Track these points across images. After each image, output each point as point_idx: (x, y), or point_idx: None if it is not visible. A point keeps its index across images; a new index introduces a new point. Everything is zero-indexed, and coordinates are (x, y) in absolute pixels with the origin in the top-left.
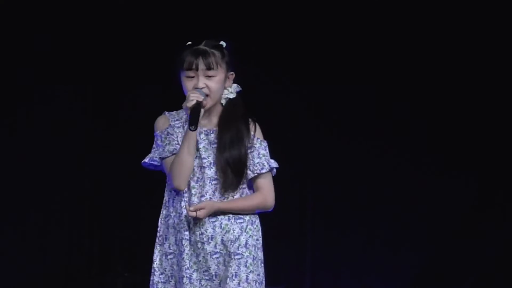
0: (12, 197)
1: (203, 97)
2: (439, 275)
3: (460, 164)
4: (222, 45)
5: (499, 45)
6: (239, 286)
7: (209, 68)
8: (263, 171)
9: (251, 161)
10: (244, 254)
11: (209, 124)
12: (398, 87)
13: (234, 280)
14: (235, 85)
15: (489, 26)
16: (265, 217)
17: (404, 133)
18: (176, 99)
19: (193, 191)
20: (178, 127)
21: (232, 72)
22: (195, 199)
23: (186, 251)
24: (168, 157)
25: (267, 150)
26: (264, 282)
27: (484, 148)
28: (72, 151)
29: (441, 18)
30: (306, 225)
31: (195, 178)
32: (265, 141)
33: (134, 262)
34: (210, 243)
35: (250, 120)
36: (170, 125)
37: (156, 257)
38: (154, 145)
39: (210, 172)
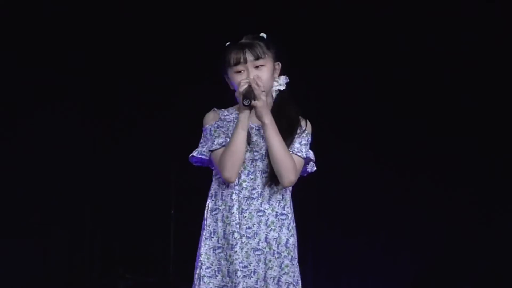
0: (12, 197)
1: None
2: (440, 279)
3: (460, 166)
4: (263, 37)
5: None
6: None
7: (257, 58)
8: (299, 154)
9: (292, 144)
10: (282, 253)
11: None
12: (398, 88)
13: (269, 279)
14: (283, 76)
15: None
16: None
17: (404, 137)
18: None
19: (244, 184)
20: (229, 121)
21: (278, 62)
22: (246, 193)
23: (239, 245)
24: (218, 149)
25: (309, 145)
26: (300, 281)
27: (484, 148)
28: (72, 151)
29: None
30: (307, 227)
31: (246, 172)
32: (310, 138)
33: (135, 263)
34: (255, 238)
35: (301, 118)
36: (220, 119)
37: (203, 250)
38: (201, 140)
39: (262, 164)
